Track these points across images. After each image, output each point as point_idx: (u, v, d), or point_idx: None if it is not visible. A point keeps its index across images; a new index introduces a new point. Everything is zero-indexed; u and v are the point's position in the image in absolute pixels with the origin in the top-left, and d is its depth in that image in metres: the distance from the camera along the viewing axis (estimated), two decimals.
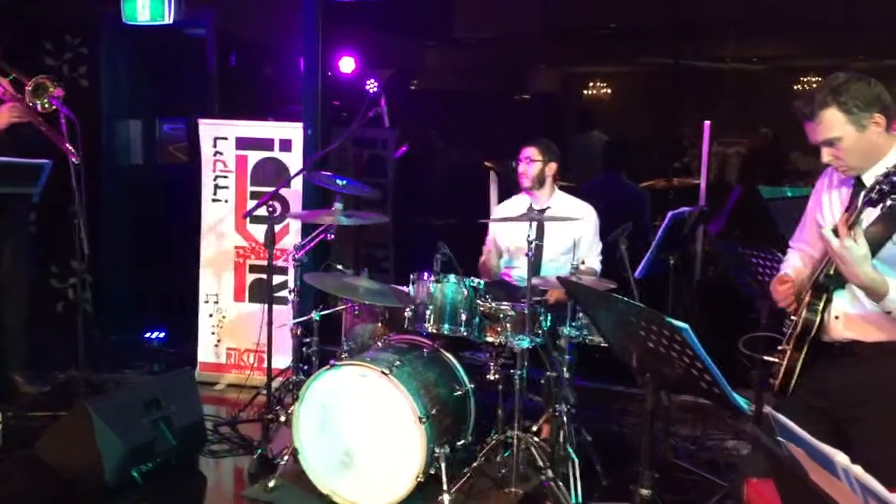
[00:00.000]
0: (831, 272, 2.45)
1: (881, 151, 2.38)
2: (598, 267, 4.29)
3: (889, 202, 2.13)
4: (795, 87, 5.73)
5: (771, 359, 2.63)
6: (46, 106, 4.34)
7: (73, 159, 4.20)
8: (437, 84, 7.43)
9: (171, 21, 5.34)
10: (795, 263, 2.72)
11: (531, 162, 4.26)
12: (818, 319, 2.47)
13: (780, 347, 2.60)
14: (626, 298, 2.43)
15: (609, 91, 6.77)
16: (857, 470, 1.36)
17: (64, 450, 3.60)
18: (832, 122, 2.35)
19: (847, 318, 2.45)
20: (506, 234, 4.42)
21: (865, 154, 2.38)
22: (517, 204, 4.37)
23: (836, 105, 2.33)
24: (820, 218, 2.60)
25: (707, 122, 4.66)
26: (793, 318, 2.56)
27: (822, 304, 2.48)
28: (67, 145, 4.22)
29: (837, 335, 2.48)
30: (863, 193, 2.21)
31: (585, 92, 6.88)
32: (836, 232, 2.21)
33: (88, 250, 4.37)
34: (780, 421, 1.63)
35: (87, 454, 3.50)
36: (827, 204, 2.57)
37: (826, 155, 2.42)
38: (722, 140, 5.81)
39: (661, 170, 5.92)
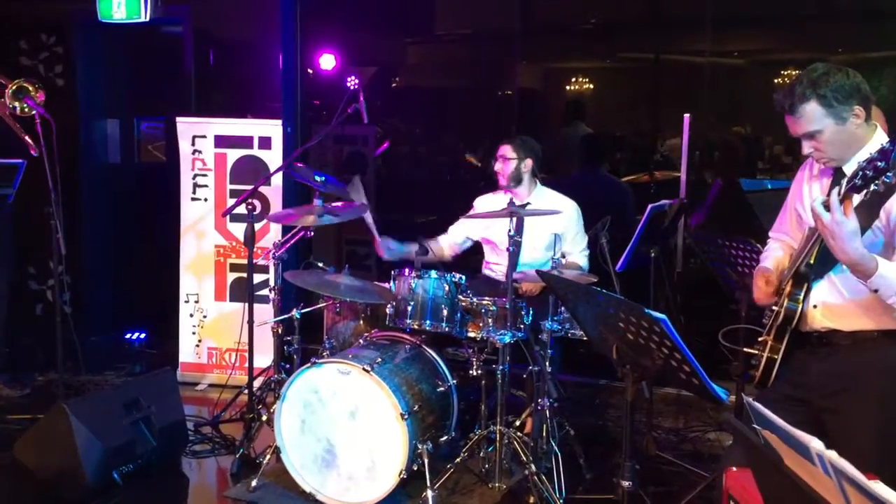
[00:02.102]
0: (812, 261, 2.46)
1: (861, 142, 2.39)
2: (583, 262, 4.28)
3: (872, 188, 2.14)
4: (776, 81, 5.76)
5: (752, 350, 2.64)
6: (26, 110, 4.31)
7: (33, 152, 4.19)
8: (419, 80, 7.41)
9: (147, 19, 5.29)
10: (776, 254, 2.72)
11: (506, 160, 4.25)
12: (799, 309, 2.48)
13: (760, 338, 2.61)
14: (604, 291, 2.43)
15: (590, 86, 6.77)
16: (832, 455, 1.36)
17: (43, 452, 3.57)
18: (812, 116, 2.35)
19: (825, 306, 2.46)
20: (487, 229, 4.41)
21: (846, 145, 2.39)
22: (498, 199, 4.36)
23: (815, 99, 2.33)
24: (800, 208, 2.61)
25: (687, 115, 4.67)
26: (773, 308, 2.57)
27: (802, 294, 2.48)
28: (27, 137, 4.19)
29: (816, 324, 2.49)
30: (846, 180, 2.21)
31: (567, 87, 6.88)
32: (826, 206, 2.21)
33: (65, 250, 4.34)
34: (756, 408, 1.63)
35: (66, 456, 3.47)
36: (807, 194, 2.58)
37: (807, 147, 2.42)
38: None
39: (642, 163, 5.93)
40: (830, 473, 1.37)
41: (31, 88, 4.32)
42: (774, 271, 2.64)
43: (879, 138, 2.40)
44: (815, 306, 2.48)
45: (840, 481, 1.35)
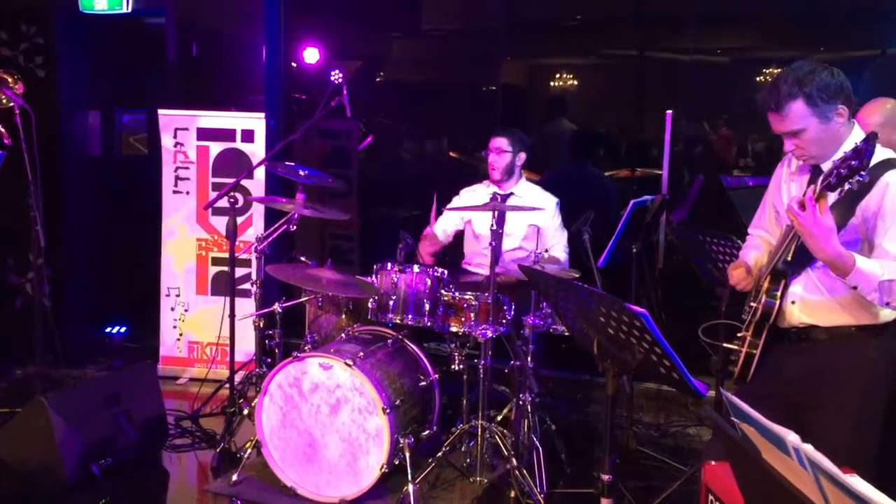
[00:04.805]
0: (789, 258, 2.48)
1: (842, 140, 2.40)
2: (563, 257, 4.30)
3: (847, 186, 2.15)
4: (759, 79, 5.79)
5: (731, 346, 2.65)
6: (4, 101, 4.27)
7: (7, 141, 4.15)
8: (404, 75, 7.40)
9: (129, 10, 5.25)
10: (754, 251, 2.74)
11: (501, 152, 4.25)
12: (777, 305, 2.50)
13: (739, 334, 2.63)
14: (585, 286, 2.43)
15: (575, 82, 6.79)
16: (808, 448, 1.37)
17: (21, 446, 3.53)
18: (797, 115, 2.35)
19: (803, 302, 2.48)
20: (472, 222, 4.43)
21: (827, 144, 2.39)
22: (481, 191, 4.38)
23: (801, 97, 2.33)
24: (779, 205, 2.62)
25: (669, 112, 4.69)
26: (752, 304, 2.58)
27: (780, 291, 2.50)
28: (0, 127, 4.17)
29: (794, 320, 2.50)
30: (821, 178, 2.23)
31: (551, 83, 6.89)
32: (802, 206, 2.23)
33: (45, 243, 4.30)
34: (734, 402, 1.64)
35: (44, 450, 3.44)
36: (786, 191, 2.60)
37: (789, 145, 2.43)
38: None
39: (625, 160, 5.96)
40: (807, 467, 1.39)
41: (10, 79, 4.29)
42: (753, 267, 2.66)
43: (856, 137, 2.41)
44: (792, 302, 2.50)
45: (816, 474, 1.36)
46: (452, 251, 4.64)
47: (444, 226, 4.48)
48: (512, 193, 4.24)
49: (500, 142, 4.25)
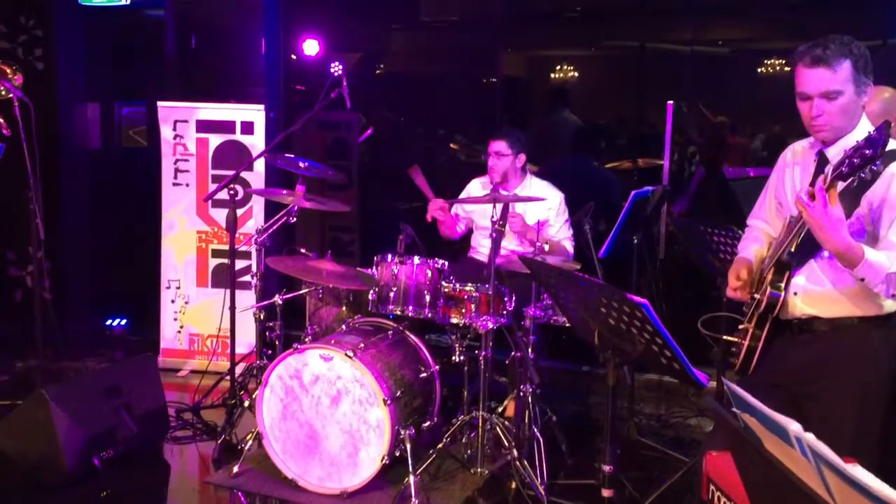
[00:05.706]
0: (793, 249, 2.46)
1: (856, 124, 2.38)
2: (569, 248, 4.30)
3: (861, 176, 2.13)
4: (759, 70, 5.78)
5: (731, 338, 2.64)
6: (3, 93, 4.26)
7: (6, 132, 4.14)
8: (404, 67, 7.38)
9: (128, 2, 5.24)
10: (755, 244, 2.72)
11: (501, 157, 4.22)
12: (782, 296, 2.48)
13: (741, 326, 2.61)
14: (586, 276, 2.43)
15: (575, 74, 6.77)
16: (810, 438, 1.37)
17: (21, 439, 3.53)
18: (843, 75, 2.32)
19: (806, 294, 2.47)
20: (472, 211, 4.44)
21: (849, 119, 2.37)
22: (486, 183, 4.39)
23: (850, 58, 2.32)
24: (781, 196, 2.61)
25: (670, 103, 4.67)
26: (756, 296, 2.57)
27: (784, 282, 2.49)
28: None
29: (797, 312, 2.49)
30: (832, 167, 2.20)
31: (552, 75, 6.88)
32: (812, 196, 2.21)
33: (44, 235, 4.30)
34: (736, 392, 1.64)
35: (45, 442, 3.44)
36: (789, 181, 2.58)
37: (817, 108, 2.35)
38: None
39: (626, 151, 5.94)
40: (809, 456, 1.38)
41: (8, 71, 4.27)
42: (754, 261, 2.64)
43: (864, 126, 2.39)
44: (795, 293, 2.48)
45: (818, 464, 1.36)
46: (458, 243, 4.65)
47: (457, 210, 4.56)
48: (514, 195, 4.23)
49: (499, 145, 4.22)
